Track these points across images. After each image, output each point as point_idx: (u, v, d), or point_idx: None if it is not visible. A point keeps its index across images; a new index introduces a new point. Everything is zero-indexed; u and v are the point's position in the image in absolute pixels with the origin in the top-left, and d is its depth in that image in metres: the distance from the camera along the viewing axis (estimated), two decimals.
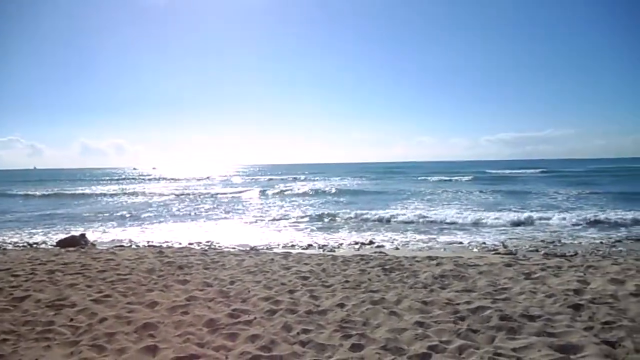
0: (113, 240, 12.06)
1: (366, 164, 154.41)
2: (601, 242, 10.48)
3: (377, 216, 15.75)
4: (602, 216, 14.15)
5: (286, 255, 8.19)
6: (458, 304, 4.72)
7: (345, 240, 11.63)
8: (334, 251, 9.88)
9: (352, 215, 16.11)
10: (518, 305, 4.63)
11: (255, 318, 4.38)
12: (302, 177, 57.98)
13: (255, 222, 15.83)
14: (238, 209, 20.54)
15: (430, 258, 7.48)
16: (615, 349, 3.58)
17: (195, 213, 19.26)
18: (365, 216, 15.91)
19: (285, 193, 30.05)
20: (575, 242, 10.73)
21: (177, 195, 29.69)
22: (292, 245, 10.89)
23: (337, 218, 15.82)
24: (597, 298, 4.76)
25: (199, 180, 55.13)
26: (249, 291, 5.36)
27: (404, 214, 16.12)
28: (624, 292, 4.90)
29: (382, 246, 10.57)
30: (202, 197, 28.68)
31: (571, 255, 8.49)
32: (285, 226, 14.59)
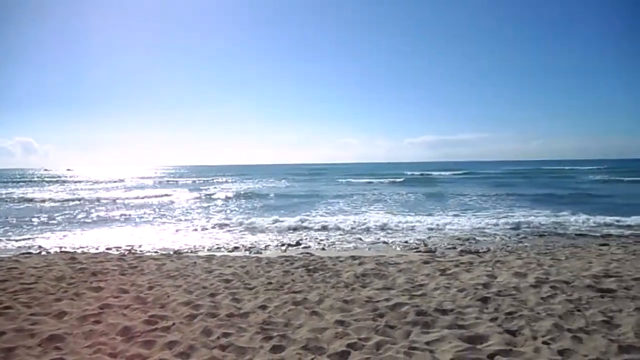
0: (19, 247, 11.08)
1: (292, 166, 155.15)
2: (510, 239, 11.31)
3: (302, 218, 15.84)
4: (513, 215, 15.35)
5: (209, 259, 8.00)
6: (378, 301, 4.87)
7: (272, 242, 11.57)
8: (261, 253, 9.80)
9: (278, 217, 16.08)
10: (433, 300, 4.87)
11: (174, 324, 4.23)
12: (228, 179, 56.62)
13: (179, 225, 15.27)
14: (161, 213, 19.69)
15: (353, 258, 7.66)
16: (515, 337, 3.89)
17: (114, 217, 18.20)
18: (290, 218, 15.93)
19: (210, 195, 29.35)
20: (488, 239, 11.46)
21: (92, 199, 27.64)
22: (218, 248, 10.64)
23: (262, 220, 15.66)
24: (502, 290, 5.13)
25: (117, 182, 51.55)
26: (168, 296, 5.16)
27: (329, 216, 16.37)
28: (525, 284, 5.33)
29: (309, 247, 10.64)
30: (120, 200, 26.83)
31: (483, 252, 9.08)
32: (210, 229, 14.22)
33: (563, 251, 8.51)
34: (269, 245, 10.94)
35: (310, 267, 6.82)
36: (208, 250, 10.37)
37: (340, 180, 48.21)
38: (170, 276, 6.35)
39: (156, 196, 29.04)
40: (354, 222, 14.65)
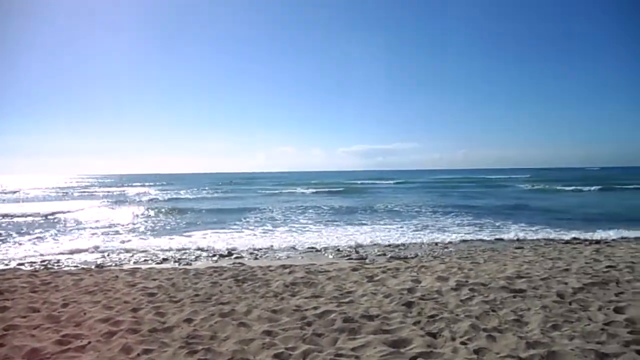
0: None
1: (226, 174, 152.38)
2: (436, 244, 11.83)
3: (234, 228, 15.62)
4: (442, 221, 16.14)
5: (133, 272, 7.62)
6: (306, 310, 4.88)
7: (202, 252, 11.26)
8: (190, 264, 9.50)
9: (210, 227, 15.74)
10: (360, 306, 4.97)
11: (89, 342, 3.97)
12: (151, 189, 53.74)
13: (101, 237, 14.42)
14: (79, 225, 18.45)
15: (284, 267, 7.65)
16: (436, 339, 4.06)
17: (23, 231, 16.79)
18: (224, 228, 15.66)
19: (133, 205, 28.01)
20: (417, 245, 11.91)
21: None
22: (145, 261, 10.18)
23: (193, 231, 15.22)
24: (426, 295, 5.35)
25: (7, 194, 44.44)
26: (84, 313, 4.85)
27: (261, 226, 16.27)
28: (446, 288, 5.59)
29: (242, 257, 10.47)
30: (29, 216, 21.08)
31: (410, 258, 9.42)
32: (135, 240, 13.59)
33: (482, 255, 9.05)
34: (200, 256, 10.63)
35: (240, 278, 6.72)
36: (134, 263, 9.89)
37: (274, 189, 47.93)
38: (89, 292, 5.97)
39: (68, 209, 24.30)
40: (286, 230, 14.67)
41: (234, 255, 10.69)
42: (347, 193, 39.59)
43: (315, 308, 4.91)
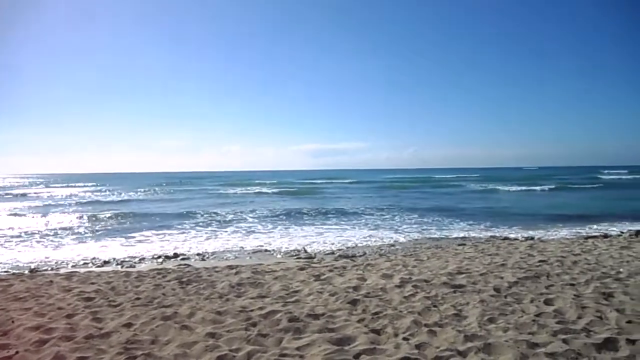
0: None
1: (170, 174, 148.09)
2: (384, 241, 12.08)
3: (181, 229, 15.24)
4: (390, 220, 16.53)
5: (70, 276, 7.22)
6: (251, 310, 4.83)
7: (147, 253, 10.88)
8: (134, 267, 9.16)
9: (156, 229, 15.26)
10: (306, 305, 4.98)
11: (17, 352, 3.73)
12: (93, 188, 51.49)
13: (34, 238, 13.61)
14: (12, 226, 17.34)
15: (230, 267, 7.53)
16: (380, 335, 4.13)
17: None
18: (170, 229, 15.24)
19: (69, 205, 26.74)
20: (365, 243, 12.09)
21: None
22: (85, 263, 9.71)
23: (135, 233, 14.66)
24: (371, 292, 5.44)
25: None
26: (12, 321, 4.54)
27: (213, 224, 15.98)
28: (391, 285, 5.72)
29: (188, 258, 10.22)
30: None
31: (359, 256, 9.56)
32: (75, 242, 12.95)
33: (426, 252, 9.34)
34: (144, 258, 10.27)
35: (184, 279, 6.54)
36: (73, 266, 9.41)
37: (223, 188, 47.00)
38: (18, 298, 5.60)
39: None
40: (235, 231, 14.49)
41: (180, 257, 10.42)
42: (298, 192, 39.48)
43: (260, 308, 4.87)
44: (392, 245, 11.63)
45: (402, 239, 12.63)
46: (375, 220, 17.54)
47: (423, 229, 14.64)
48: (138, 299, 5.47)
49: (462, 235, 13.29)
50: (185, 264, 8.99)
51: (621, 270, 6.58)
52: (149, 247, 12.00)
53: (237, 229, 15.15)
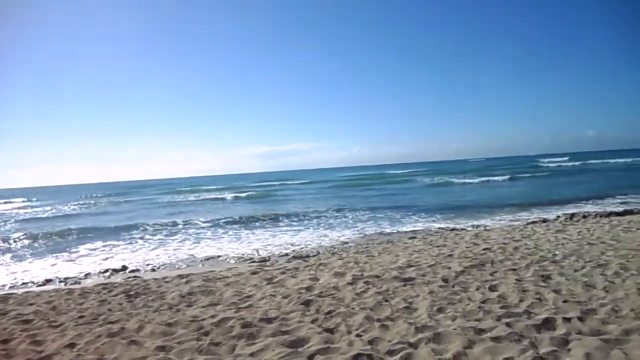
0: None
1: (115, 184, 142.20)
2: (337, 240, 12.17)
3: (128, 240, 14.71)
4: (343, 218, 16.71)
5: (5, 299, 6.73)
6: (203, 319, 4.73)
7: (93, 268, 10.38)
8: (80, 283, 8.72)
9: (100, 242, 14.60)
10: (259, 310, 4.93)
11: None
12: (29, 202, 48.63)
13: None
14: None
15: (180, 276, 7.34)
16: (333, 334, 4.16)
17: None
18: (117, 241, 14.66)
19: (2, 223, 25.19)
20: (318, 243, 12.13)
21: None
22: (24, 284, 9.11)
23: (79, 247, 13.96)
24: (324, 292, 5.48)
25: None
26: None
27: (162, 233, 15.52)
28: (343, 283, 5.78)
29: (137, 270, 9.85)
30: None
31: (313, 256, 9.59)
32: (12, 261, 12.16)
33: (377, 248, 9.51)
34: (89, 274, 9.78)
35: (132, 293, 6.30)
36: (10, 288, 8.81)
37: (171, 196, 45.66)
38: None
39: None
40: (186, 239, 14.15)
41: (129, 269, 10.02)
42: (250, 196, 38.80)
43: (212, 316, 4.78)
44: (346, 243, 11.75)
45: (355, 237, 12.77)
46: (329, 219, 17.64)
47: (376, 225, 14.89)
48: (82, 316, 5.21)
49: (412, 228, 13.63)
50: (133, 277, 8.67)
51: (557, 252, 7.00)
52: (94, 261, 11.46)
53: (187, 237, 14.77)
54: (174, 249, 12.45)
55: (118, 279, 8.69)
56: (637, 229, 8.95)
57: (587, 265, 6.00)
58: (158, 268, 10.00)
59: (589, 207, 15.82)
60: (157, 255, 11.65)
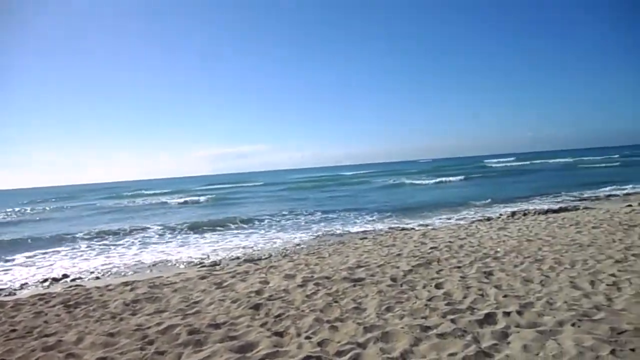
0: None
1: (54, 188, 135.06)
2: (290, 242, 12.12)
3: (71, 246, 14.00)
4: (296, 220, 16.70)
5: None
6: (148, 327, 4.57)
7: (31, 278, 9.77)
8: (15, 294, 8.17)
9: (39, 250, 13.78)
10: (207, 316, 4.82)
11: None
12: None
13: None
14: None
15: (125, 284, 7.04)
16: (283, 337, 4.13)
17: None
18: (57, 248, 13.91)
19: None
20: (271, 245, 12.02)
21: None
22: None
23: (16, 255, 13.09)
24: (273, 295, 5.44)
25: None
26: None
27: (107, 238, 14.89)
28: (293, 285, 5.77)
29: (79, 278, 9.36)
30: None
31: (263, 259, 9.49)
32: None
33: (328, 249, 9.56)
34: (26, 284, 9.19)
35: (71, 303, 5.97)
36: None
37: (117, 200, 43.87)
38: None
39: None
40: (132, 243, 13.66)
41: (70, 278, 9.51)
42: (200, 199, 37.86)
43: (158, 324, 4.62)
44: (298, 244, 11.71)
45: (307, 238, 12.77)
46: (281, 220, 17.53)
47: (328, 226, 14.96)
48: (14, 330, 4.87)
49: (364, 229, 13.81)
50: (74, 286, 8.22)
51: (498, 249, 7.32)
52: (32, 271, 10.80)
53: (134, 242, 14.21)
54: (120, 255, 11.96)
55: (58, 288, 8.21)
56: (570, 225, 9.52)
57: (526, 261, 6.31)
58: (102, 276, 9.56)
59: (529, 205, 16.69)
60: (102, 263, 11.13)
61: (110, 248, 13.44)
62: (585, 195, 18.88)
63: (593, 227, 8.90)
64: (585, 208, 13.77)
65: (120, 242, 14.53)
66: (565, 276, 5.36)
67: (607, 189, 20.94)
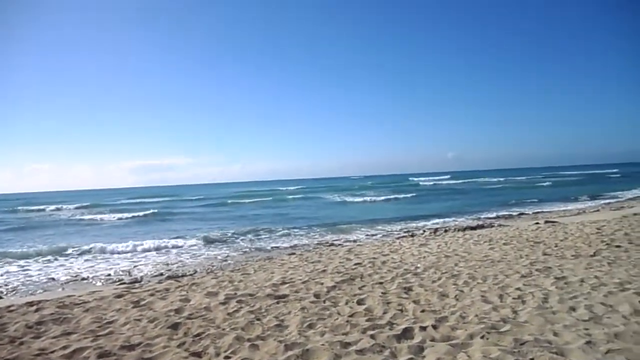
0: None
1: None
2: (217, 258, 11.83)
3: None
4: (225, 235, 16.28)
5: None
6: (52, 351, 4.22)
7: None
8: None
9: None
10: (120, 337, 4.56)
11: None
12: None
13: None
14: None
15: (29, 304, 6.45)
16: (200, 357, 4.00)
17: None
18: None
19: None
20: (196, 261, 11.66)
21: None
22: None
23: None
24: (194, 313, 5.26)
25: None
26: None
27: (14, 252, 13.66)
28: (215, 303, 5.62)
29: None
30: None
31: (189, 275, 9.18)
32: None
33: (254, 265, 9.44)
34: None
35: None
36: None
37: (26, 212, 40.61)
38: None
39: None
40: (45, 259, 12.67)
41: None
42: (125, 214, 35.84)
43: (64, 347, 4.29)
44: (225, 260, 11.47)
45: (234, 254, 12.55)
46: (209, 235, 17.08)
47: (257, 241, 14.83)
48: None
49: (293, 244, 13.83)
50: None
51: (419, 265, 7.63)
52: None
53: (48, 259, 13.15)
54: (30, 272, 11.01)
55: None
56: (484, 242, 10.15)
57: (443, 276, 6.62)
58: (5, 295, 8.74)
59: (451, 222, 17.64)
60: (5, 281, 10.17)
61: (17, 263, 12.33)
62: (501, 214, 20.27)
63: (504, 244, 9.54)
64: (500, 225, 14.75)
65: (31, 258, 13.35)
66: (477, 290, 5.68)
67: (523, 208, 22.58)
